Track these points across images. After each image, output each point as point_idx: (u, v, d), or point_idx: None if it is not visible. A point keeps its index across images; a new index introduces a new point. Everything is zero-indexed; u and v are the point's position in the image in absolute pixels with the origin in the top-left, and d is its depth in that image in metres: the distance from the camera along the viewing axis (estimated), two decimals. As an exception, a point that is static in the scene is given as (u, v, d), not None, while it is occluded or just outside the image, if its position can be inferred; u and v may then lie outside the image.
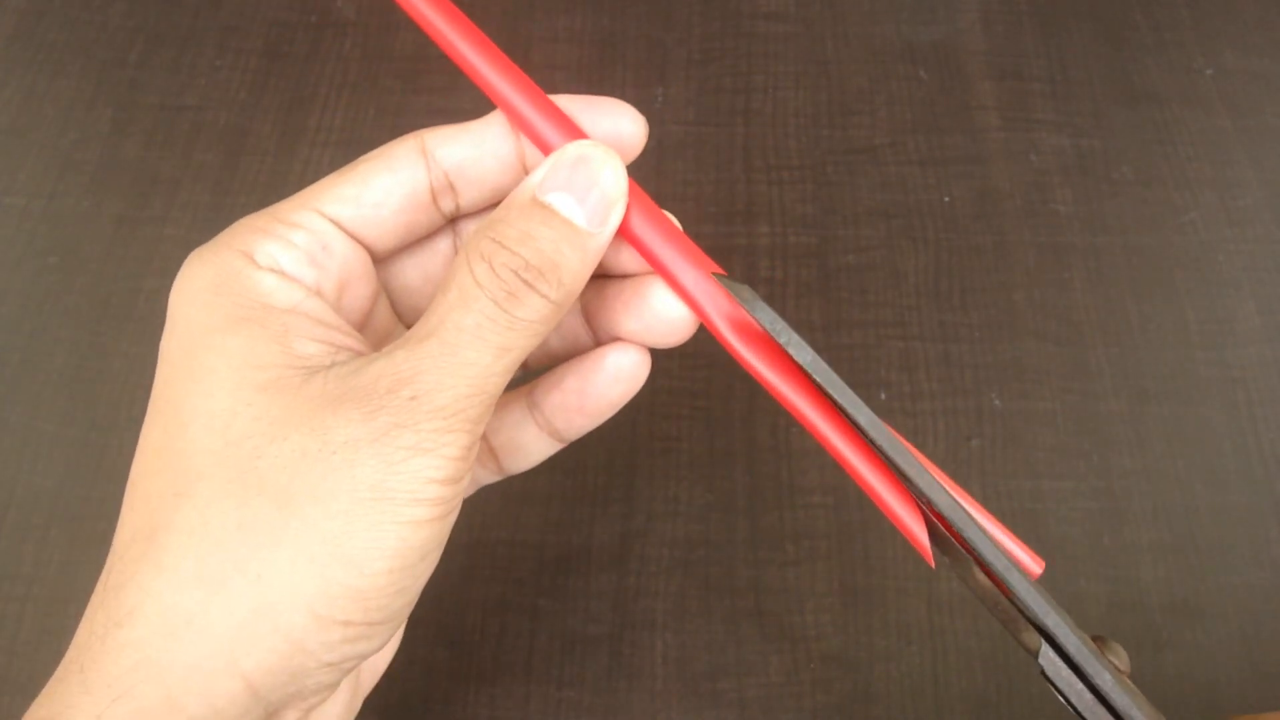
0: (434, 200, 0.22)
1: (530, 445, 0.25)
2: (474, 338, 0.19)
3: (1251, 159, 0.41)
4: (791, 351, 0.19)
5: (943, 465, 0.35)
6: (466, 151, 0.22)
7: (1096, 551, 0.34)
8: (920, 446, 0.36)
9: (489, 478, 0.26)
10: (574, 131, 0.22)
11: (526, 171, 0.22)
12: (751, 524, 0.34)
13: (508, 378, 0.20)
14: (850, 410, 0.19)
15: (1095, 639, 0.19)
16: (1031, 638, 0.19)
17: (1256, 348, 0.37)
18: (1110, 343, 0.38)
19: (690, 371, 0.37)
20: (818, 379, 0.19)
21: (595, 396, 0.23)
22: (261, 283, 0.20)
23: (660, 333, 0.23)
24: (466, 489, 0.20)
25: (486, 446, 0.25)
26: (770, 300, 0.38)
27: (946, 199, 0.41)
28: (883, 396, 0.37)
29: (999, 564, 0.19)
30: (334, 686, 0.20)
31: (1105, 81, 0.43)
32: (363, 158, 0.22)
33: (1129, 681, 0.18)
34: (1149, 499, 0.35)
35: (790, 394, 0.21)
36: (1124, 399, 0.37)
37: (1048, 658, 0.19)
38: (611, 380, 0.23)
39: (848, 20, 0.45)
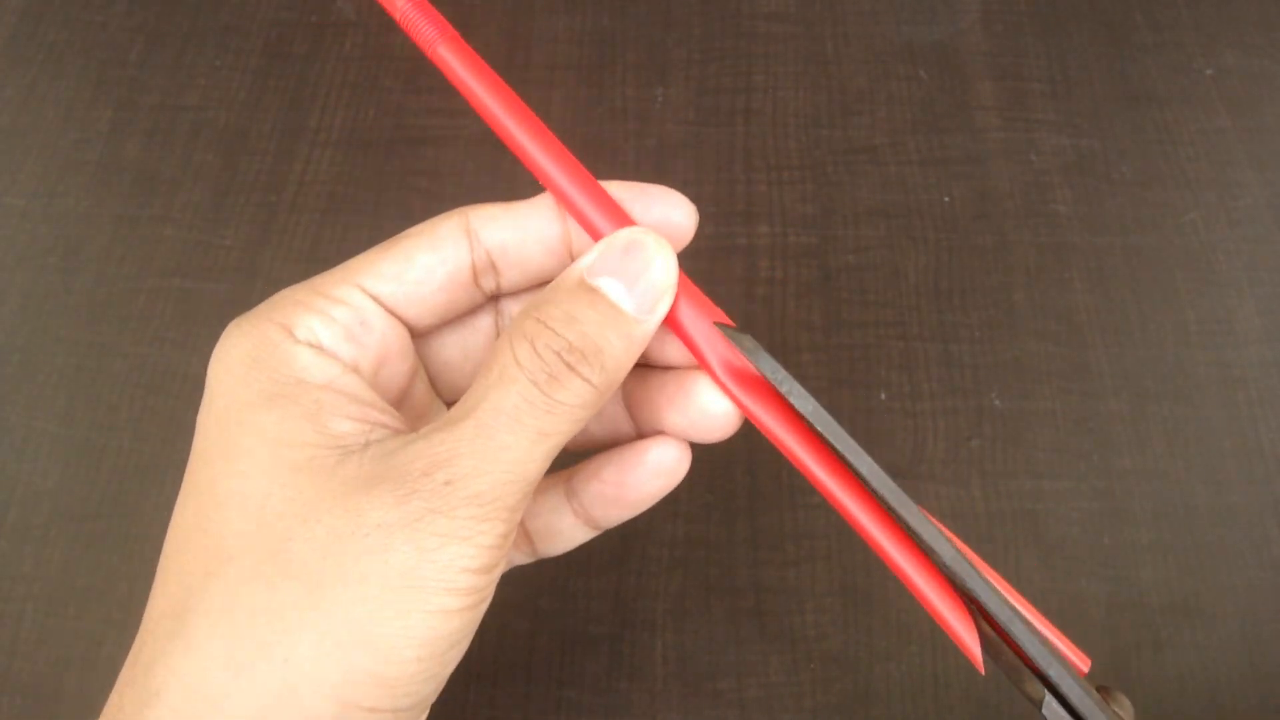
0: (475, 279, 0.22)
1: (566, 532, 0.25)
2: (512, 421, 0.19)
3: (1251, 159, 0.41)
4: (793, 401, 0.19)
5: (943, 465, 0.35)
6: (511, 234, 0.22)
7: (1096, 551, 0.34)
8: (920, 446, 0.36)
9: (522, 559, 0.26)
10: (623, 218, 0.21)
11: (572, 258, 0.22)
12: (751, 524, 0.34)
13: (547, 464, 0.19)
14: (852, 460, 0.19)
15: (1100, 689, 0.19)
16: (1035, 688, 0.19)
17: (1256, 348, 0.37)
18: (1110, 343, 0.38)
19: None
20: (819, 429, 0.19)
21: (634, 489, 0.23)
22: (298, 358, 0.20)
23: (704, 429, 0.22)
24: (499, 574, 0.20)
25: (523, 530, 0.25)
26: (770, 300, 0.38)
27: (946, 199, 0.41)
28: (883, 396, 0.37)
29: (1002, 614, 0.19)
30: None
31: (1105, 81, 0.43)
32: (406, 233, 0.22)
33: None
34: (1149, 499, 0.35)
35: (825, 479, 0.21)
36: (1124, 399, 0.37)
37: (1051, 709, 0.19)
38: (651, 474, 0.23)
39: (848, 20, 0.45)
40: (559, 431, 0.19)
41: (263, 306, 0.21)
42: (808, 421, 0.19)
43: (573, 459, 0.24)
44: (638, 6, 0.45)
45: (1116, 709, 0.19)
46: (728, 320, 0.22)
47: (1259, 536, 0.34)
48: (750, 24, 0.45)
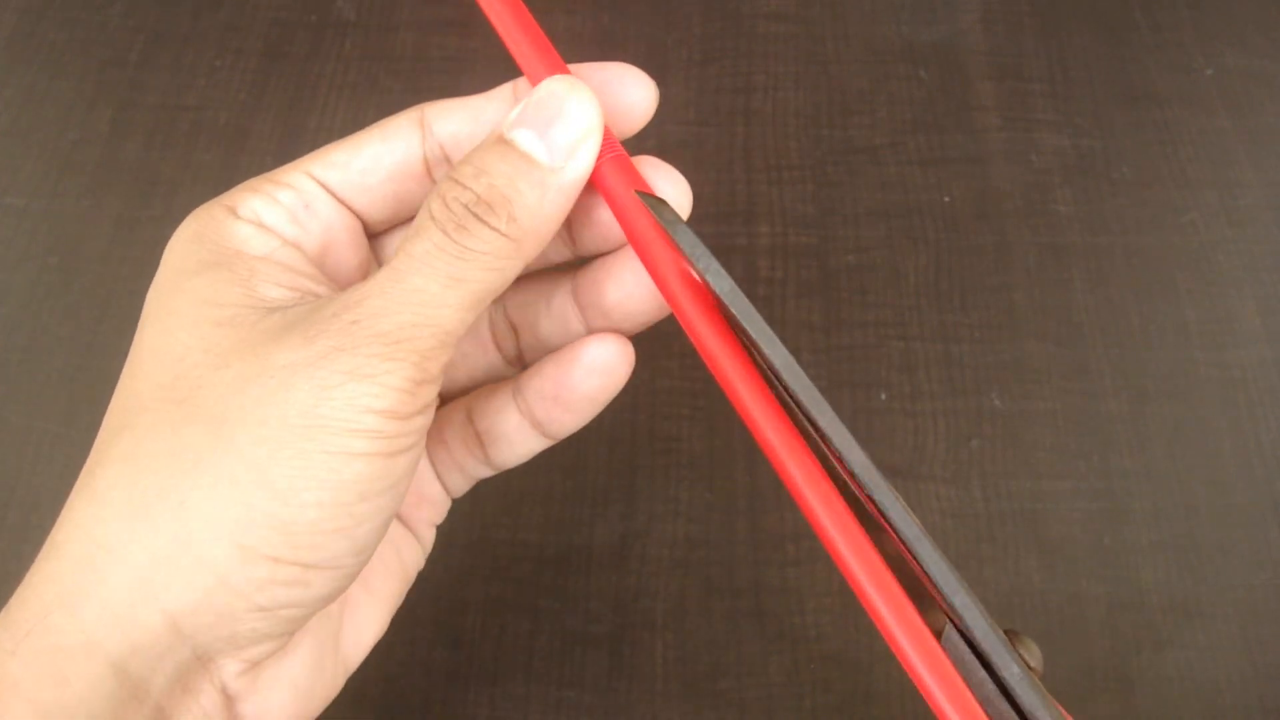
0: (428, 171, 0.22)
1: (514, 435, 0.24)
2: (421, 264, 0.18)
3: (1251, 159, 0.41)
4: (709, 279, 0.18)
5: (943, 465, 0.35)
6: (463, 125, 0.22)
7: (1096, 551, 0.34)
8: (920, 446, 0.36)
9: (480, 470, 0.25)
10: (561, 71, 0.21)
11: None
12: (751, 524, 0.34)
13: (466, 314, 0.19)
14: (765, 346, 0.18)
15: (1009, 632, 0.17)
16: (936, 617, 0.18)
17: (1256, 348, 0.37)
18: (1110, 343, 0.38)
19: (690, 371, 0.37)
20: (734, 310, 0.18)
21: (572, 386, 0.23)
22: (237, 232, 0.20)
23: (640, 299, 0.22)
24: (420, 432, 0.19)
25: (473, 434, 0.25)
26: (770, 300, 0.38)
27: (946, 199, 0.41)
28: (883, 396, 0.37)
29: (909, 531, 0.17)
30: (275, 639, 0.19)
31: (1105, 81, 0.43)
32: (366, 128, 0.22)
33: (1039, 681, 0.17)
34: (1149, 499, 0.35)
35: (730, 370, 0.20)
36: (1124, 399, 0.37)
37: (951, 641, 0.17)
38: (587, 371, 0.23)
39: (848, 20, 0.45)
40: (473, 279, 0.19)
41: (220, 195, 0.21)
42: (722, 304, 0.18)
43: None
44: (638, 6, 0.45)
45: (1024, 653, 0.17)
46: (649, 189, 0.21)
47: (1259, 536, 0.34)
48: (750, 24, 0.45)
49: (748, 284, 0.39)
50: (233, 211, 0.21)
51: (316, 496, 0.17)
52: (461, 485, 0.26)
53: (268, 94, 0.43)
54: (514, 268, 0.20)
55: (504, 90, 0.22)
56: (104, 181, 0.41)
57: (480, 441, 0.25)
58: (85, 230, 0.40)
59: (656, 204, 0.19)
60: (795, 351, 0.38)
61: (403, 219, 0.23)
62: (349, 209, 0.22)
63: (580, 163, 0.20)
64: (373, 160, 0.22)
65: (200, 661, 0.18)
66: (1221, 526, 0.34)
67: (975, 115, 0.42)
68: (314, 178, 0.22)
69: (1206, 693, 0.32)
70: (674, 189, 0.22)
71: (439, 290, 0.18)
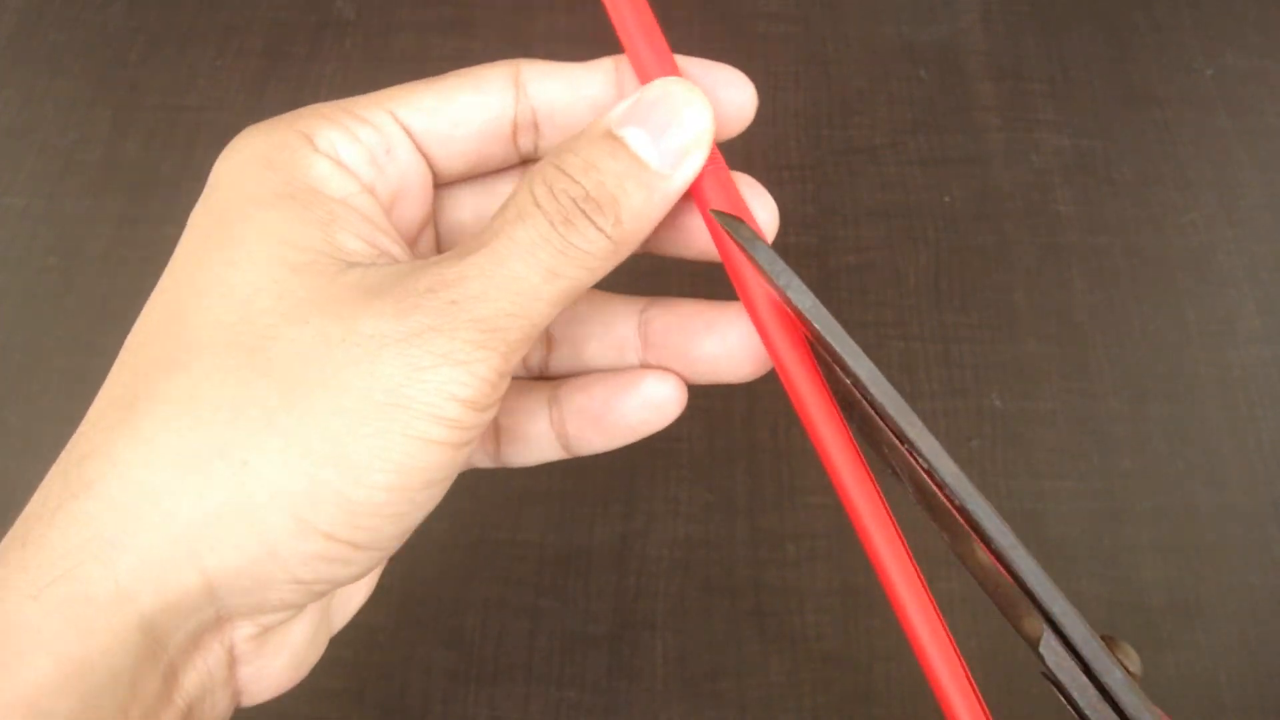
0: (514, 134, 0.21)
1: (536, 440, 0.23)
2: (525, 252, 0.18)
3: (1251, 159, 0.41)
4: (791, 295, 0.18)
5: (943, 465, 0.35)
6: (561, 92, 0.21)
7: (1096, 551, 0.34)
8: (920, 446, 0.36)
9: (483, 460, 0.24)
10: (673, 72, 0.20)
11: None
12: (751, 524, 0.34)
13: (553, 310, 0.18)
14: (850, 360, 0.18)
15: (1106, 638, 0.17)
16: (1033, 625, 0.18)
17: (1256, 348, 0.37)
18: (1110, 343, 0.38)
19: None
20: (817, 326, 0.18)
21: (618, 414, 0.22)
22: (316, 166, 0.19)
23: (740, 359, 0.21)
24: (484, 427, 0.18)
25: (491, 426, 0.24)
26: (770, 300, 0.38)
27: (946, 199, 0.41)
28: (883, 396, 0.37)
29: (1003, 540, 0.17)
30: (297, 609, 0.18)
31: (1105, 81, 0.43)
32: (452, 72, 0.21)
33: (1138, 686, 0.17)
34: (1149, 499, 0.35)
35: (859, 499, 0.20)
36: (1124, 399, 0.37)
37: (1050, 646, 0.17)
38: (640, 404, 0.22)
39: (848, 20, 0.45)
40: (570, 276, 0.18)
41: (286, 115, 0.20)
42: (805, 320, 0.18)
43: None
44: (638, 6, 0.45)
45: (1122, 657, 0.17)
46: (751, 218, 0.20)
47: (1259, 536, 0.34)
48: (750, 24, 0.45)
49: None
50: (309, 140, 0.19)
51: (388, 479, 0.16)
52: (461, 467, 0.25)
53: (268, 94, 0.43)
54: (606, 270, 0.19)
55: (605, 64, 0.21)
56: (104, 181, 0.41)
57: (497, 436, 0.24)
58: (85, 230, 0.40)
59: (732, 222, 0.19)
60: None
61: (473, 177, 0.22)
62: (426, 158, 0.21)
63: (688, 171, 0.19)
64: (464, 112, 0.20)
65: (219, 622, 0.17)
66: (1221, 526, 0.34)
67: (975, 115, 0.42)
68: (397, 119, 0.20)
69: (1206, 693, 0.32)
70: (765, 211, 0.21)
71: (538, 282, 0.18)
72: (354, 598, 0.23)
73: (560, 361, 0.24)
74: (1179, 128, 0.42)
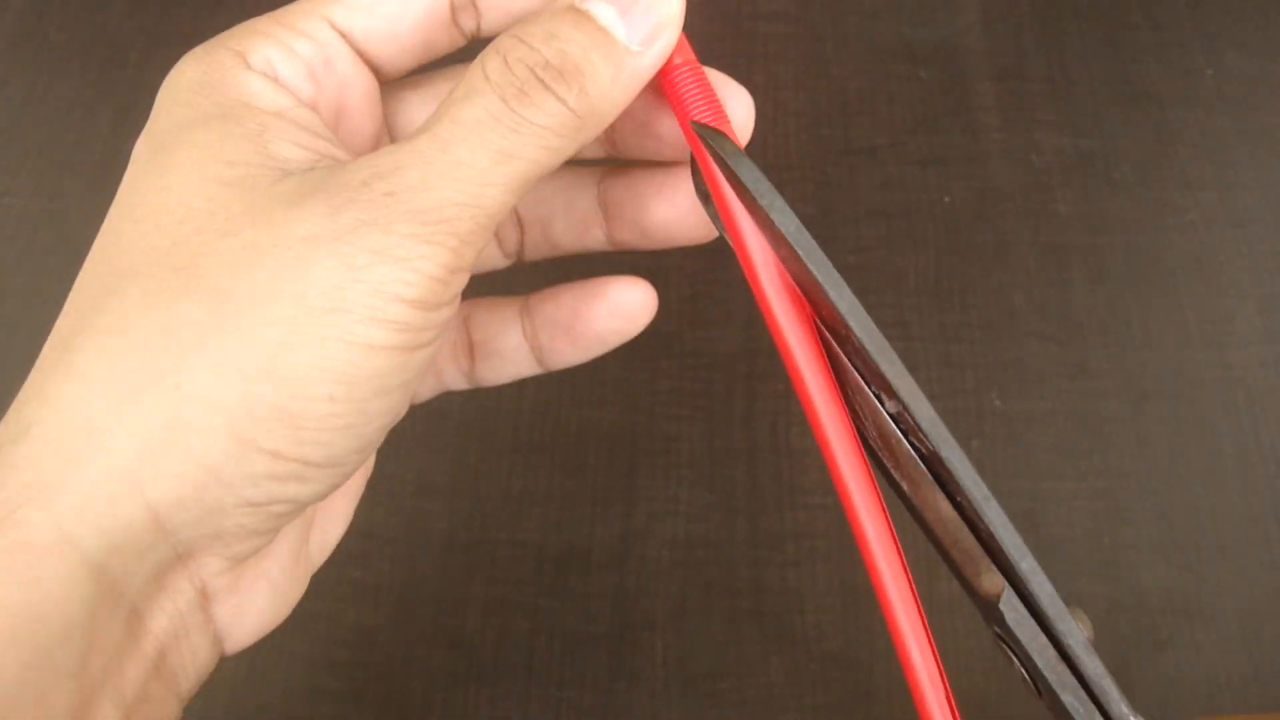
0: (453, 16, 0.20)
1: (509, 353, 0.23)
2: (471, 133, 0.16)
3: (1251, 159, 0.41)
4: (774, 216, 0.17)
5: (943, 465, 0.35)
6: None
7: (1096, 551, 0.34)
8: (920, 446, 0.36)
9: (457, 382, 0.23)
10: None
11: None
12: (751, 524, 0.34)
13: (509, 197, 0.17)
14: (830, 290, 0.17)
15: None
16: (992, 581, 0.17)
17: (1256, 348, 0.37)
18: (1110, 343, 0.38)
19: (690, 371, 0.37)
20: (799, 251, 0.17)
21: (588, 321, 0.22)
22: (248, 83, 0.18)
23: (694, 222, 0.21)
24: (443, 327, 0.17)
25: (464, 340, 0.23)
26: (770, 300, 0.38)
27: (946, 199, 0.41)
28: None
29: (977, 492, 0.17)
30: (261, 535, 0.17)
31: (1105, 81, 0.43)
32: None
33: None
34: (1149, 499, 0.35)
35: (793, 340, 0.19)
36: (1124, 399, 0.37)
37: (1010, 603, 0.17)
38: (608, 312, 0.22)
39: (848, 20, 0.45)
40: (525, 156, 0.17)
41: (222, 35, 0.19)
42: (787, 244, 0.17)
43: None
44: (638, 6, 0.45)
45: (1079, 623, 0.17)
46: (725, 117, 0.19)
47: (1259, 536, 0.34)
48: (750, 24, 0.45)
49: (748, 285, 0.39)
50: (242, 59, 0.18)
51: (330, 390, 0.16)
52: (429, 392, 0.24)
53: (268, 94, 0.43)
54: (568, 150, 0.17)
55: None
56: (104, 181, 0.41)
57: (471, 353, 0.23)
58: (85, 230, 0.40)
59: (714, 136, 0.18)
60: (795, 351, 0.38)
61: (418, 82, 0.21)
62: (368, 63, 0.20)
63: (658, 50, 0.18)
64: (400, 4, 0.19)
65: (180, 559, 0.16)
66: (1221, 526, 0.34)
67: (975, 115, 0.42)
68: (335, 25, 0.19)
69: (1206, 693, 0.32)
70: (741, 107, 0.20)
71: (487, 165, 0.16)
72: (331, 527, 0.22)
73: (533, 244, 0.23)
74: (1179, 128, 0.42)
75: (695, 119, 0.19)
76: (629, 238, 0.22)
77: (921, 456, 0.18)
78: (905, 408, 0.17)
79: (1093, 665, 0.16)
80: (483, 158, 0.16)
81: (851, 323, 0.17)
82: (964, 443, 0.36)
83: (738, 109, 0.20)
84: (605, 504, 0.35)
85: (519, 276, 0.25)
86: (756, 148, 0.42)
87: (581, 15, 0.17)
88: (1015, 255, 0.39)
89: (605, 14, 0.17)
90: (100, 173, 0.41)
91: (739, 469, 0.35)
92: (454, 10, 0.20)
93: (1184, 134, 0.42)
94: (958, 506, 0.18)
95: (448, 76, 0.22)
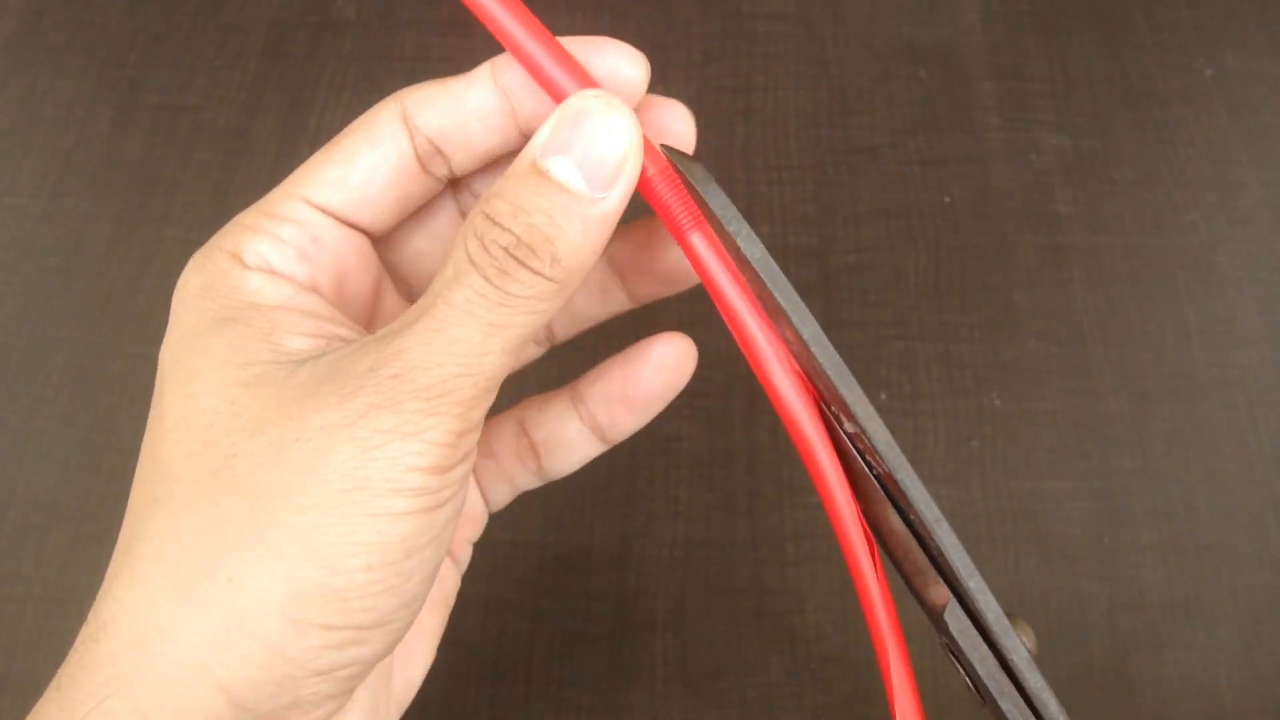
0: (423, 168, 0.21)
1: (573, 442, 0.24)
2: (463, 313, 0.18)
3: (1251, 159, 0.41)
4: (740, 243, 0.17)
5: (943, 465, 0.35)
6: (448, 116, 0.21)
7: (1096, 551, 0.34)
8: (920, 447, 0.36)
9: (530, 482, 0.25)
10: (585, 79, 0.19)
11: (519, 132, 0.21)
12: (752, 524, 0.34)
13: (508, 359, 0.18)
14: (793, 315, 0.17)
15: (1007, 615, 0.18)
16: (939, 593, 0.18)
17: (1256, 348, 0.37)
18: (1110, 343, 0.38)
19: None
20: (764, 278, 0.17)
21: (640, 384, 0.23)
22: (248, 282, 0.19)
23: (685, 269, 0.22)
24: (463, 481, 0.19)
25: (527, 443, 0.24)
26: (770, 300, 0.38)
27: (947, 199, 0.41)
28: (883, 396, 0.37)
29: (929, 513, 0.17)
30: (340, 696, 0.18)
31: (1105, 81, 0.43)
32: (344, 131, 0.21)
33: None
34: (1149, 499, 0.35)
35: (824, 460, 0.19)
36: (1124, 399, 0.37)
37: (955, 615, 0.17)
38: (656, 371, 0.23)
39: (848, 20, 0.45)
40: (515, 324, 0.18)
41: (215, 236, 0.20)
42: (753, 271, 0.18)
43: (579, 371, 0.24)
44: (638, 6, 0.45)
45: (1022, 636, 0.17)
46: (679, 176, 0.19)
47: (1259, 536, 0.34)
48: (750, 24, 0.45)
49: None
50: (238, 259, 0.20)
51: (365, 561, 0.17)
52: (505, 498, 0.26)
53: (268, 94, 0.43)
54: (556, 306, 0.19)
55: (482, 73, 0.21)
56: (104, 181, 0.41)
57: (535, 452, 0.24)
58: (85, 230, 0.40)
59: (685, 161, 0.18)
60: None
61: (408, 219, 0.23)
62: (354, 227, 0.21)
63: (622, 189, 0.19)
64: (368, 171, 0.20)
65: None
66: (1221, 526, 0.34)
67: (975, 115, 0.42)
68: (313, 204, 0.20)
69: (1206, 693, 0.32)
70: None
71: (481, 339, 0.18)
72: (416, 667, 0.23)
73: (560, 326, 0.24)
74: (1179, 128, 0.42)
75: (664, 145, 0.19)
76: (653, 289, 0.23)
77: (876, 476, 0.19)
78: (862, 430, 0.18)
79: (1034, 680, 0.17)
80: (476, 333, 0.18)
81: (813, 348, 0.18)
82: (964, 443, 0.36)
83: (679, 125, 0.21)
84: (605, 504, 0.35)
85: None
86: (757, 148, 0.42)
87: (542, 179, 0.18)
88: (1015, 255, 0.39)
89: (562, 169, 0.18)
90: (100, 173, 0.41)
91: (739, 469, 0.35)
92: (422, 162, 0.21)
93: (1184, 134, 0.42)
94: (909, 523, 0.18)
95: (429, 217, 0.23)
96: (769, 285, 0.17)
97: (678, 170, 0.19)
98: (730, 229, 0.18)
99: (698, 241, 0.20)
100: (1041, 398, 0.37)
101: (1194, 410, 0.36)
